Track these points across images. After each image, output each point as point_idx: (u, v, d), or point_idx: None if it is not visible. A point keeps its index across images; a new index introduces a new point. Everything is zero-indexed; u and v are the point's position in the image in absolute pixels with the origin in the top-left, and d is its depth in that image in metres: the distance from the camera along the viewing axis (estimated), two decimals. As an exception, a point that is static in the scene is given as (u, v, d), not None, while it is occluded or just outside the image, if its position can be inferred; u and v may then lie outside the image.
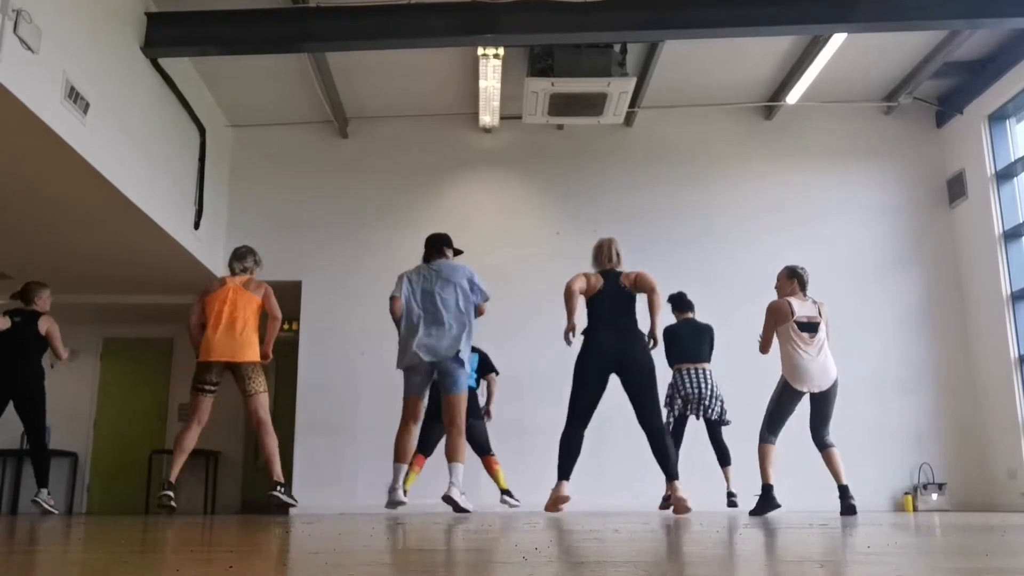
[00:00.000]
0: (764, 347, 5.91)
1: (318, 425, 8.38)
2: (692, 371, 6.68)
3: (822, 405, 5.71)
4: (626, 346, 5.30)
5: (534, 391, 7.74)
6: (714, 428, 6.70)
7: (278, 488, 5.78)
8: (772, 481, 5.73)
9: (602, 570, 1.61)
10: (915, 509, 7.97)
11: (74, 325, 10.26)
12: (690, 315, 6.96)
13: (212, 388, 5.88)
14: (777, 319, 5.83)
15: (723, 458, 6.70)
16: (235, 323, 5.81)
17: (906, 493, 8.11)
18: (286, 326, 10.35)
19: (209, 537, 3.04)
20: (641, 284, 5.39)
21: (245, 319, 5.86)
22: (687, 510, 5.22)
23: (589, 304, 5.45)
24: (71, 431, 10.10)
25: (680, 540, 2.64)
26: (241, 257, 6.08)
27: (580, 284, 5.43)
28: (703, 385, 6.63)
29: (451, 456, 5.61)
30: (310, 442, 8.34)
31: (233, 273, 6.06)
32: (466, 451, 5.83)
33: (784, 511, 6.11)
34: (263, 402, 5.85)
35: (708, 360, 6.78)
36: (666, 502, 6.59)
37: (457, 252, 5.96)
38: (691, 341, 6.79)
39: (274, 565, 1.84)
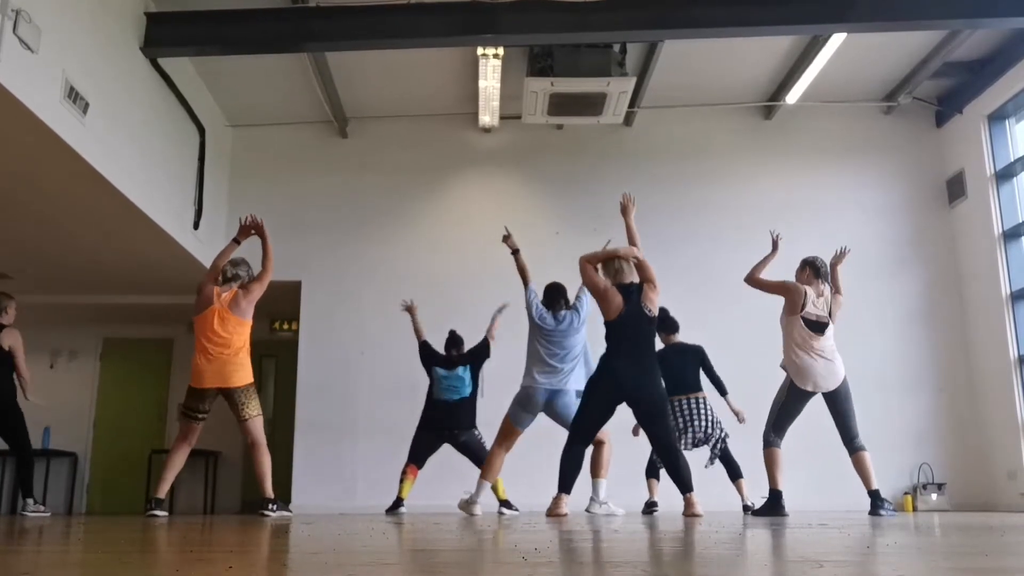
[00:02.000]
0: (753, 271, 5.70)
1: (318, 425, 8.37)
2: (684, 403, 6.38)
3: (836, 405, 5.54)
4: (642, 381, 5.22)
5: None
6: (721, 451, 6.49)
7: (269, 506, 5.74)
8: (781, 487, 5.55)
9: (601, 570, 1.61)
10: (915, 509, 7.96)
11: (74, 325, 10.28)
12: (675, 337, 6.65)
13: (203, 415, 5.75)
14: (788, 295, 5.58)
15: (733, 472, 6.47)
16: (225, 348, 5.62)
17: (906, 493, 8.11)
18: (286, 326, 10.40)
19: (209, 537, 3.04)
20: (643, 274, 5.34)
21: (234, 344, 5.66)
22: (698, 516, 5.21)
23: (609, 327, 5.31)
24: (71, 431, 10.10)
25: (680, 541, 2.64)
26: (236, 264, 5.91)
27: (601, 280, 5.37)
28: (695, 417, 6.33)
29: (596, 471, 6.09)
30: (310, 442, 8.33)
31: (226, 278, 5.84)
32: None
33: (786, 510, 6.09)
34: (258, 425, 5.71)
35: (699, 387, 6.45)
36: (649, 508, 6.56)
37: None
38: (679, 369, 6.43)
39: (274, 565, 1.84)
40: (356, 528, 3.68)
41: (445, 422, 6.63)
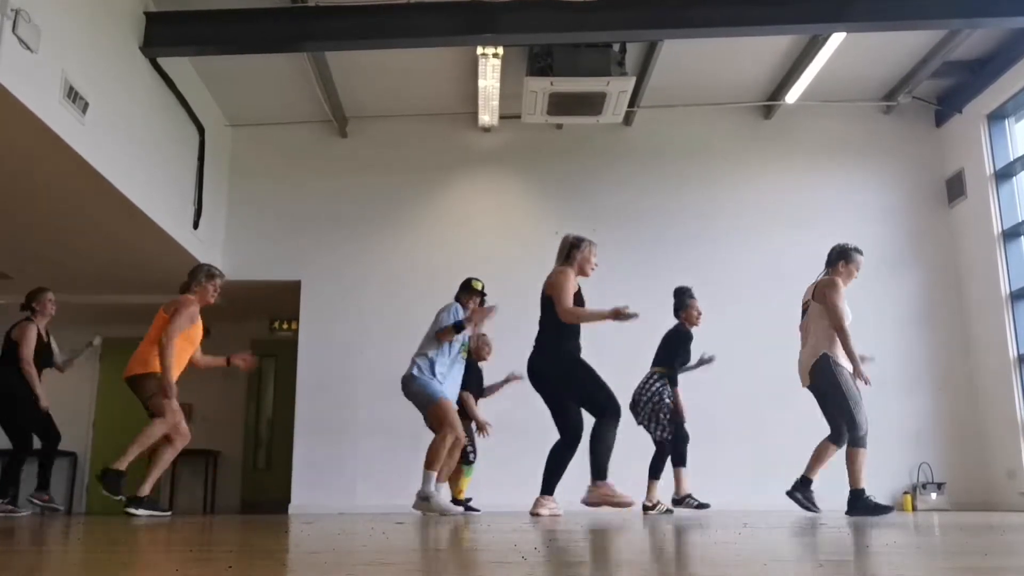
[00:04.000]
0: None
1: (318, 425, 8.37)
2: (643, 379, 6.47)
3: (818, 402, 5.52)
4: (535, 363, 5.22)
5: (532, 390, 7.72)
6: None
7: (110, 473, 5.61)
8: (863, 485, 5.37)
9: (601, 570, 1.61)
10: (914, 509, 7.97)
11: (74, 325, 10.25)
12: (677, 320, 6.71)
13: (146, 408, 5.93)
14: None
15: (676, 458, 6.44)
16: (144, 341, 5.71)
17: (905, 492, 8.11)
18: (286, 326, 10.38)
19: (209, 537, 3.04)
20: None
21: (149, 336, 5.77)
22: (595, 505, 5.06)
23: None
24: (70, 431, 10.03)
25: (678, 540, 2.64)
26: (191, 274, 5.94)
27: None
28: (641, 393, 6.36)
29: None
30: (310, 442, 8.33)
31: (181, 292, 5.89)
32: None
33: (784, 510, 6.09)
34: (157, 402, 5.79)
35: (659, 364, 6.46)
36: (676, 503, 6.53)
37: (478, 294, 6.43)
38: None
39: (273, 565, 1.84)
40: (356, 528, 3.68)
41: None
